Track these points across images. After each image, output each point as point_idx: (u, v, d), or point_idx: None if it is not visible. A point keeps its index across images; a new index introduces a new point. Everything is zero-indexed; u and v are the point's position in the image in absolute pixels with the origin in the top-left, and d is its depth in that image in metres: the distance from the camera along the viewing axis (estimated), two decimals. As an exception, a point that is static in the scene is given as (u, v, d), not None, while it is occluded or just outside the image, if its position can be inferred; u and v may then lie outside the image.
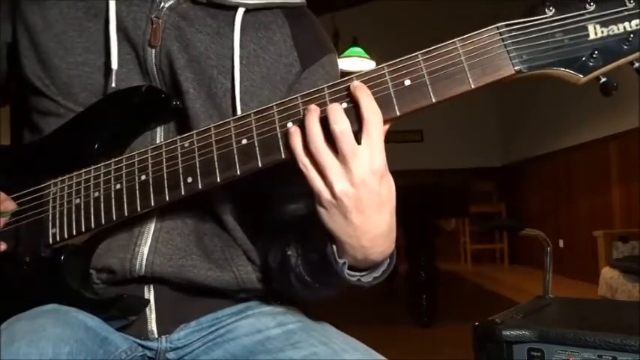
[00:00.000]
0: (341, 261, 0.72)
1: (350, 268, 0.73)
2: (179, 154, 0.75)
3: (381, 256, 0.73)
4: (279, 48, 0.88)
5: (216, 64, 0.84)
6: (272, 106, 0.71)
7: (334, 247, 0.71)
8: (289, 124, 0.70)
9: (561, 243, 6.00)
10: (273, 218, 0.88)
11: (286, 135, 0.69)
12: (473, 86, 0.66)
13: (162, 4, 0.85)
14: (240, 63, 0.84)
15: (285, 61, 0.87)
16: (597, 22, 0.64)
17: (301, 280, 0.80)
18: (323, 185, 0.67)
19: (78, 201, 0.80)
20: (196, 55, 0.84)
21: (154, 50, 0.84)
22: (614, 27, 0.64)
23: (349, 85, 0.68)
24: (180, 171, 0.74)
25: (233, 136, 0.72)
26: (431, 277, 3.86)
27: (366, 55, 5.23)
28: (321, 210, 0.69)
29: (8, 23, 0.90)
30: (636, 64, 0.66)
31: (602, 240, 4.13)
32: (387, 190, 0.68)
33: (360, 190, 0.66)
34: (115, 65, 0.83)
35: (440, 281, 4.02)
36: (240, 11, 0.86)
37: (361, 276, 0.75)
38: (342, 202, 0.67)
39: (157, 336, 0.84)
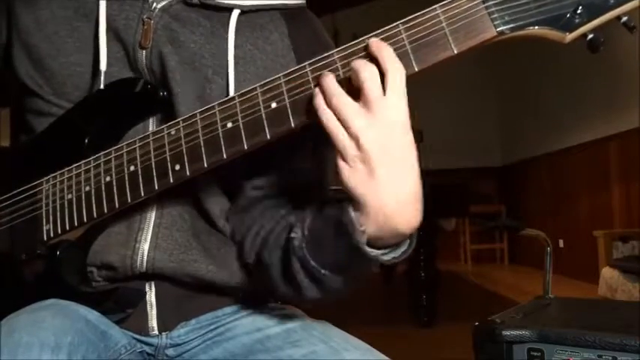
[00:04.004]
0: (361, 228, 0.66)
1: (368, 244, 0.67)
2: (166, 143, 0.75)
3: (405, 226, 0.67)
4: (276, 48, 0.87)
5: (211, 63, 0.84)
6: (255, 87, 0.71)
7: (353, 213, 0.66)
8: (273, 105, 0.70)
9: (561, 243, 6.00)
10: (264, 212, 0.84)
11: (311, 97, 0.68)
12: (456, 51, 0.66)
13: (154, 5, 0.85)
14: (237, 63, 0.84)
15: (282, 61, 0.87)
16: None
17: (305, 268, 0.72)
18: (348, 138, 0.65)
19: (70, 196, 0.80)
20: (189, 56, 0.83)
21: (144, 51, 0.84)
22: None
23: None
24: (168, 159, 0.75)
25: (218, 120, 0.72)
26: (431, 277, 3.86)
27: (366, 55, 5.22)
28: (343, 167, 0.66)
29: (1, 25, 0.90)
30: (624, 18, 0.64)
31: (602, 240, 4.12)
32: (409, 145, 0.66)
33: (386, 139, 0.64)
34: (103, 67, 0.83)
35: (440, 281, 4.02)
36: (235, 13, 0.85)
37: (381, 254, 0.69)
38: (367, 154, 0.64)
39: (157, 332, 0.84)
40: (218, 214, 0.85)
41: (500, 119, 8.20)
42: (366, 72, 0.65)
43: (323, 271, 0.72)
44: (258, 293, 0.90)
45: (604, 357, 1.06)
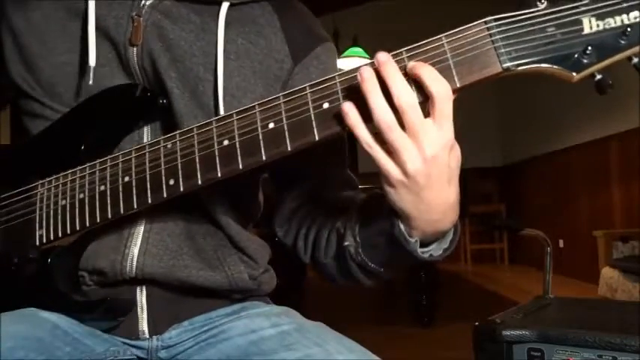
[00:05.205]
0: (412, 240, 0.71)
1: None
2: (162, 156, 0.74)
3: (450, 225, 0.72)
4: (269, 42, 0.85)
5: (202, 61, 0.82)
6: (254, 105, 0.69)
7: (402, 226, 0.70)
8: (271, 125, 0.68)
9: (561, 243, 6.00)
10: (305, 212, 0.90)
11: (341, 113, 0.64)
12: (458, 85, 0.63)
13: (143, 2, 0.83)
14: (228, 58, 0.82)
15: (276, 56, 0.85)
16: (593, 15, 0.60)
17: (364, 268, 0.79)
18: (392, 165, 0.64)
19: (64, 202, 0.79)
20: (180, 54, 0.82)
21: (135, 49, 0.82)
22: (610, 20, 0.59)
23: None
24: (163, 173, 0.73)
25: (215, 137, 0.71)
26: (431, 277, 3.86)
27: (366, 55, 5.23)
28: (389, 189, 0.67)
29: None
30: (635, 60, 0.60)
31: (602, 240, 4.13)
32: (455, 161, 0.67)
33: (431, 167, 0.64)
34: (92, 62, 0.81)
35: (440, 281, 4.02)
36: (225, 5, 0.83)
37: (431, 250, 0.74)
38: (414, 181, 0.64)
39: (148, 336, 0.83)
40: (220, 212, 0.84)
41: (501, 119, 8.20)
42: (408, 99, 0.62)
43: (381, 269, 0.79)
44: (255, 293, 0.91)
45: (604, 357, 1.06)
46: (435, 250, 0.74)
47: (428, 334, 3.69)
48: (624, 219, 5.08)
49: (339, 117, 0.65)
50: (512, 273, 6.97)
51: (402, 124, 0.63)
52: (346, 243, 0.79)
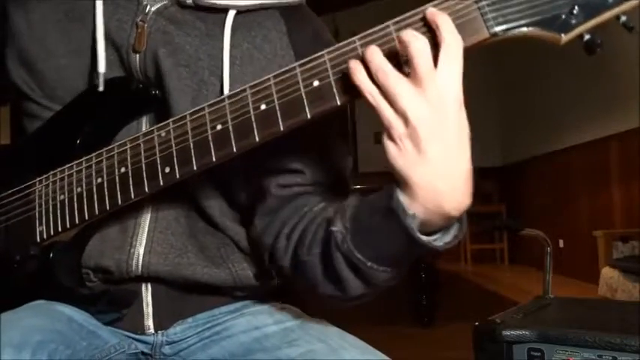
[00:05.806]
0: (410, 212, 0.62)
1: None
2: (156, 144, 0.74)
3: (455, 208, 0.63)
4: (274, 46, 0.85)
5: (208, 65, 0.82)
6: (245, 88, 0.69)
7: (401, 197, 0.63)
8: (263, 106, 0.68)
9: (561, 243, 6.00)
10: (295, 207, 0.81)
11: (349, 72, 0.63)
12: None
13: (148, 8, 0.83)
14: (234, 64, 0.82)
15: (280, 61, 0.84)
16: None
17: (350, 261, 0.68)
18: (394, 115, 0.61)
19: (62, 197, 0.80)
20: (185, 59, 0.82)
21: (138, 55, 0.83)
22: None
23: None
24: (158, 161, 0.74)
25: (208, 122, 0.71)
26: (431, 277, 3.86)
27: (366, 55, 5.21)
28: (389, 143, 0.62)
29: None
30: (623, 18, 0.60)
31: (602, 240, 4.13)
32: (464, 121, 0.62)
33: (437, 114, 0.59)
34: (102, 69, 0.82)
35: (440, 281, 4.02)
36: (231, 13, 0.83)
37: (433, 240, 0.66)
38: (415, 131, 0.60)
39: (153, 331, 0.84)
40: (218, 214, 0.84)
41: (501, 119, 8.19)
42: (417, 44, 0.59)
43: (369, 263, 0.67)
44: (261, 292, 0.90)
45: (604, 357, 1.07)
46: (437, 242, 0.66)
47: (428, 334, 3.69)
48: (624, 219, 5.07)
49: (330, 94, 0.65)
50: (512, 273, 6.97)
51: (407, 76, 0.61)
52: (334, 228, 0.69)
